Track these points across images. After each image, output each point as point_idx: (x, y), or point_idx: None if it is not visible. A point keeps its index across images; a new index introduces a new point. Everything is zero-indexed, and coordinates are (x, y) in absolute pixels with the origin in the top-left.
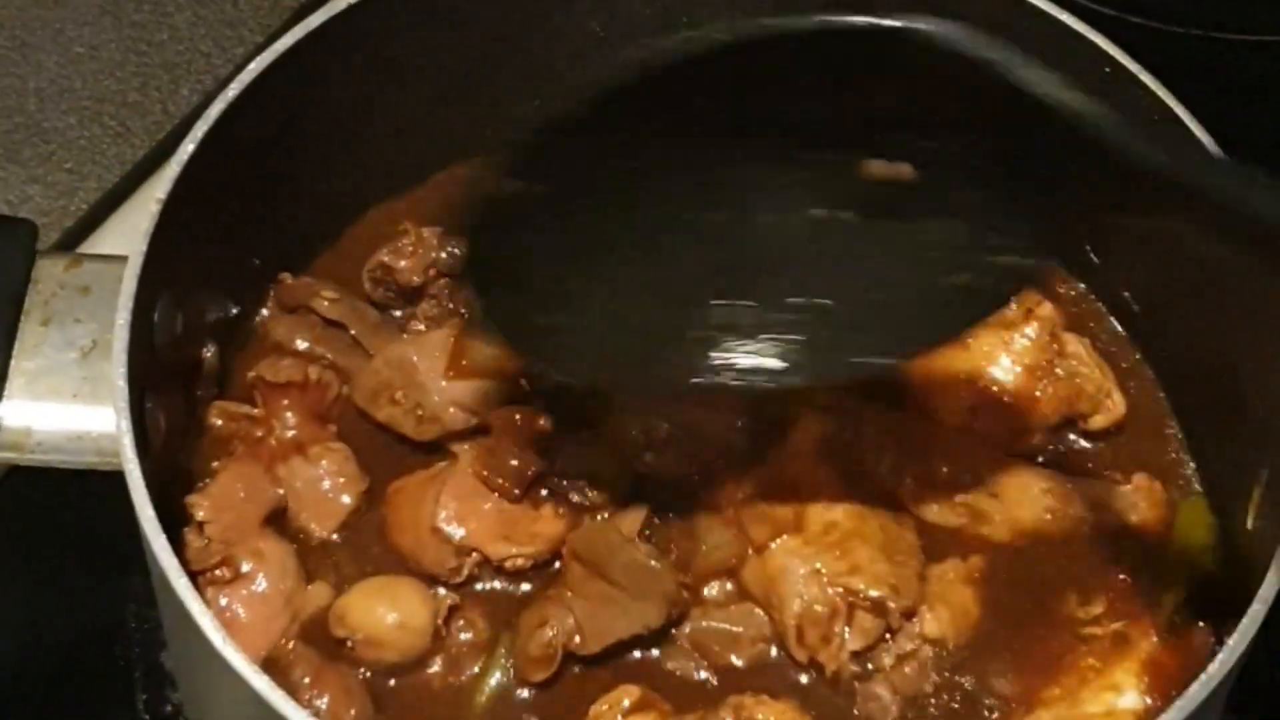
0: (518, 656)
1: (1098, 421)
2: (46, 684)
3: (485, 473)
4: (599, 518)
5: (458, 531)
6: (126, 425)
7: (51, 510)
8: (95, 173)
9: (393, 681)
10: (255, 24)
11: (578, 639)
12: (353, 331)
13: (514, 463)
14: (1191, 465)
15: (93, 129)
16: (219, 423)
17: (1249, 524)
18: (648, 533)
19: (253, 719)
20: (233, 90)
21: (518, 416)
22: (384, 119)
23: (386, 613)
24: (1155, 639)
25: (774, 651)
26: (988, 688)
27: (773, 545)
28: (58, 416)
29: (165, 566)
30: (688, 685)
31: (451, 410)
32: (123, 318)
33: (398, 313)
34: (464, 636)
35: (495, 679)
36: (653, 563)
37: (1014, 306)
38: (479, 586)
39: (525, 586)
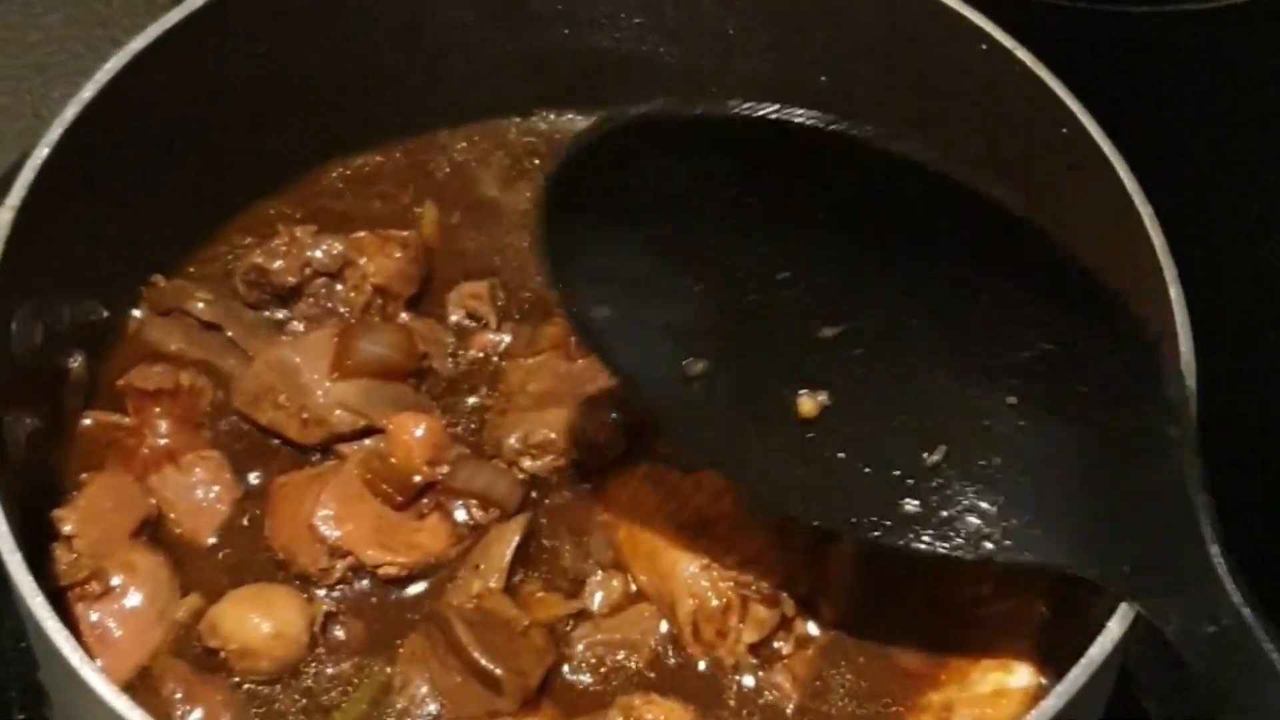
0: None
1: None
2: None
3: (370, 477)
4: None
5: (334, 533)
6: None
7: None
8: None
9: (269, 690)
10: (129, 24)
11: (435, 706)
12: (229, 333)
13: (403, 470)
14: None
15: None
16: (89, 433)
17: None
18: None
19: None
20: (88, 92)
21: (419, 425)
22: (252, 118)
23: (260, 621)
24: (1047, 615)
25: (669, 650)
26: (884, 671)
27: (661, 543)
28: None
29: (20, 584)
30: (581, 691)
31: (337, 412)
32: None
33: (277, 314)
34: (340, 640)
35: (368, 697)
36: (495, 669)
37: None
38: (353, 591)
39: (403, 594)
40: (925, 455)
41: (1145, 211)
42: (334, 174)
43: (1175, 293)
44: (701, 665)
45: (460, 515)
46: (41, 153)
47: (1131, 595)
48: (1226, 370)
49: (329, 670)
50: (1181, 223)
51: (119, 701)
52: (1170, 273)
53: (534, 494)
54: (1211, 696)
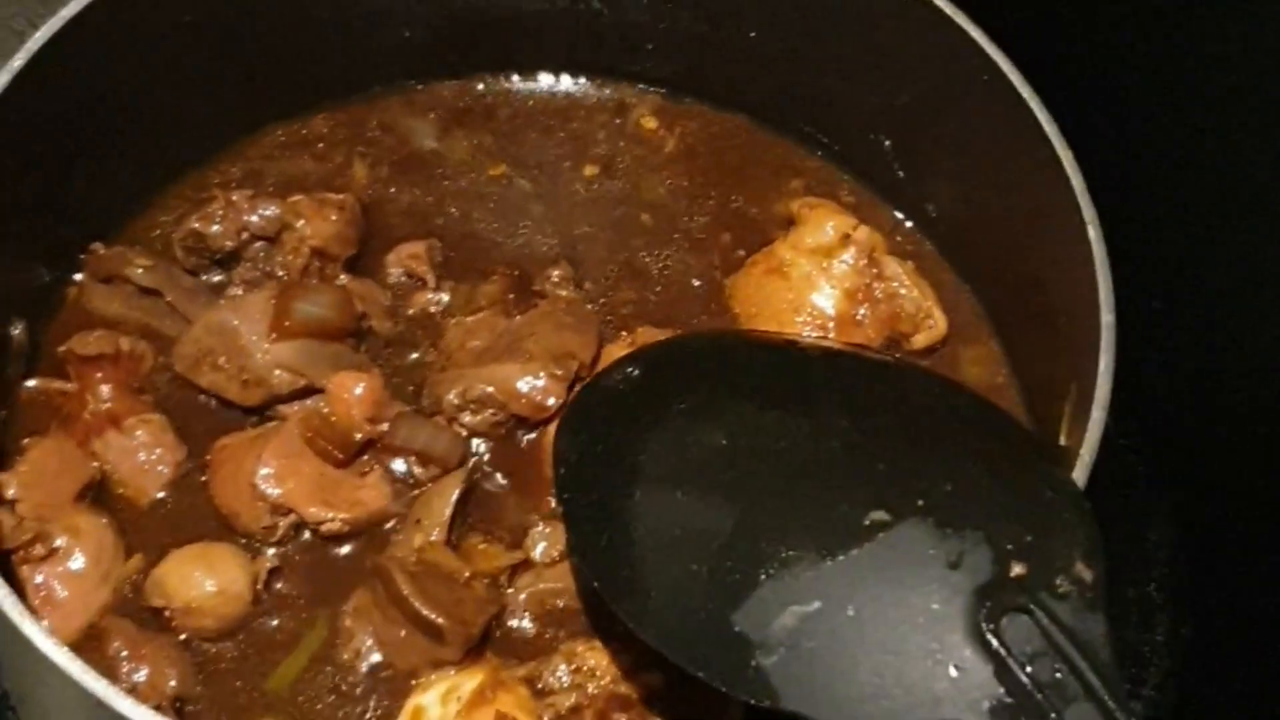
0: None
1: (920, 340)
2: None
3: (311, 435)
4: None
5: (275, 491)
6: None
7: None
8: None
9: (214, 647)
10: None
11: (379, 656)
12: (169, 298)
13: (344, 428)
14: (1015, 382)
15: None
16: (31, 399)
17: (1062, 439)
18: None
19: (68, 699)
20: (19, 60)
21: (359, 383)
22: (186, 84)
23: (203, 579)
24: None
25: None
26: None
27: None
28: None
29: None
30: (524, 639)
31: (277, 373)
32: None
33: (216, 278)
34: (283, 595)
35: (311, 650)
36: (436, 619)
37: (830, 232)
38: (297, 547)
39: (345, 550)
40: None
41: (1065, 155)
42: (270, 138)
43: (1094, 234)
44: None
45: (400, 472)
46: None
47: None
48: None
49: (273, 625)
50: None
51: (64, 659)
52: (1089, 213)
53: (475, 449)
54: None
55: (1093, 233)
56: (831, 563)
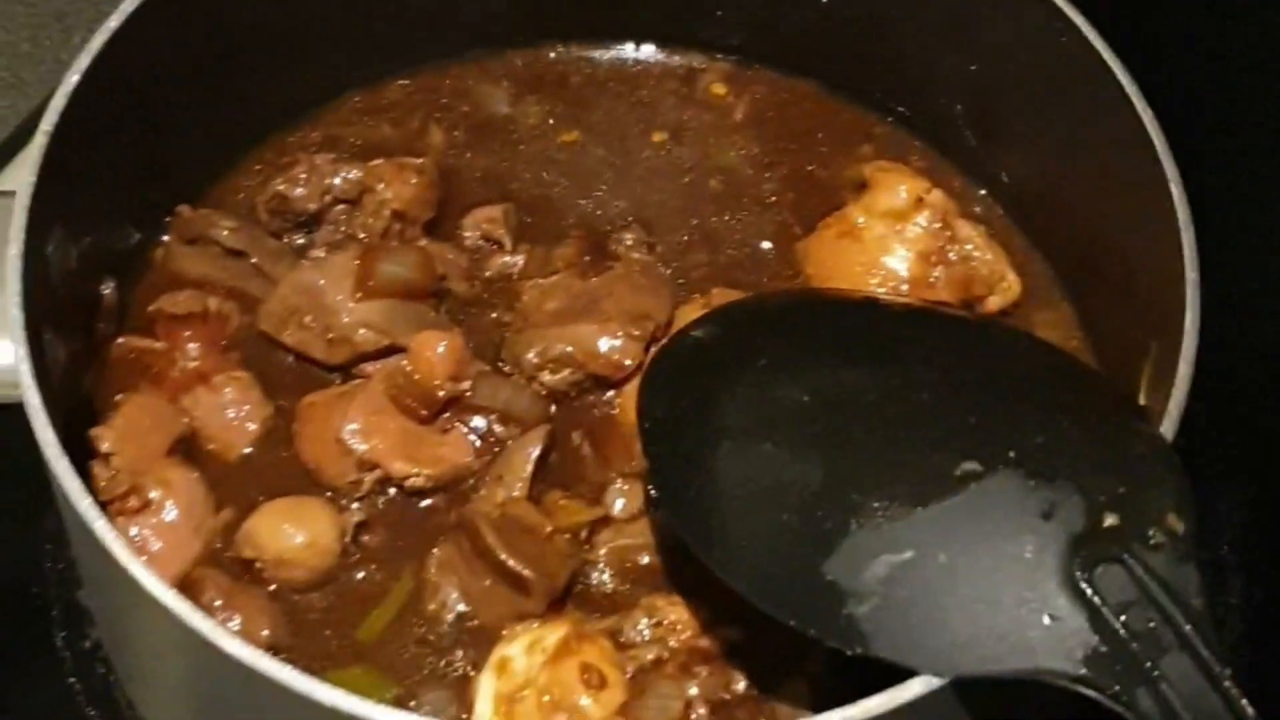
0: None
1: (994, 303)
2: None
3: (395, 393)
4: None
5: (361, 446)
6: (24, 353)
7: None
8: None
9: (301, 598)
10: None
11: (465, 607)
12: (254, 259)
13: (427, 385)
14: (1089, 345)
15: None
16: (121, 358)
17: (1142, 400)
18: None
19: (170, 641)
20: (114, 21)
21: (441, 342)
22: (271, 49)
23: (294, 532)
24: None
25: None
26: None
27: None
28: None
29: (69, 490)
30: (604, 594)
31: (361, 331)
32: (14, 248)
33: (298, 240)
34: (369, 549)
35: (399, 602)
36: (522, 570)
37: (903, 195)
38: (381, 502)
39: (428, 505)
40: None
41: (1146, 115)
42: (347, 105)
43: (1177, 192)
44: None
45: (481, 429)
46: (72, 79)
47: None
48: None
49: (359, 578)
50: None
51: (168, 597)
52: (1171, 172)
53: (553, 408)
54: None
55: (1175, 191)
56: (924, 512)
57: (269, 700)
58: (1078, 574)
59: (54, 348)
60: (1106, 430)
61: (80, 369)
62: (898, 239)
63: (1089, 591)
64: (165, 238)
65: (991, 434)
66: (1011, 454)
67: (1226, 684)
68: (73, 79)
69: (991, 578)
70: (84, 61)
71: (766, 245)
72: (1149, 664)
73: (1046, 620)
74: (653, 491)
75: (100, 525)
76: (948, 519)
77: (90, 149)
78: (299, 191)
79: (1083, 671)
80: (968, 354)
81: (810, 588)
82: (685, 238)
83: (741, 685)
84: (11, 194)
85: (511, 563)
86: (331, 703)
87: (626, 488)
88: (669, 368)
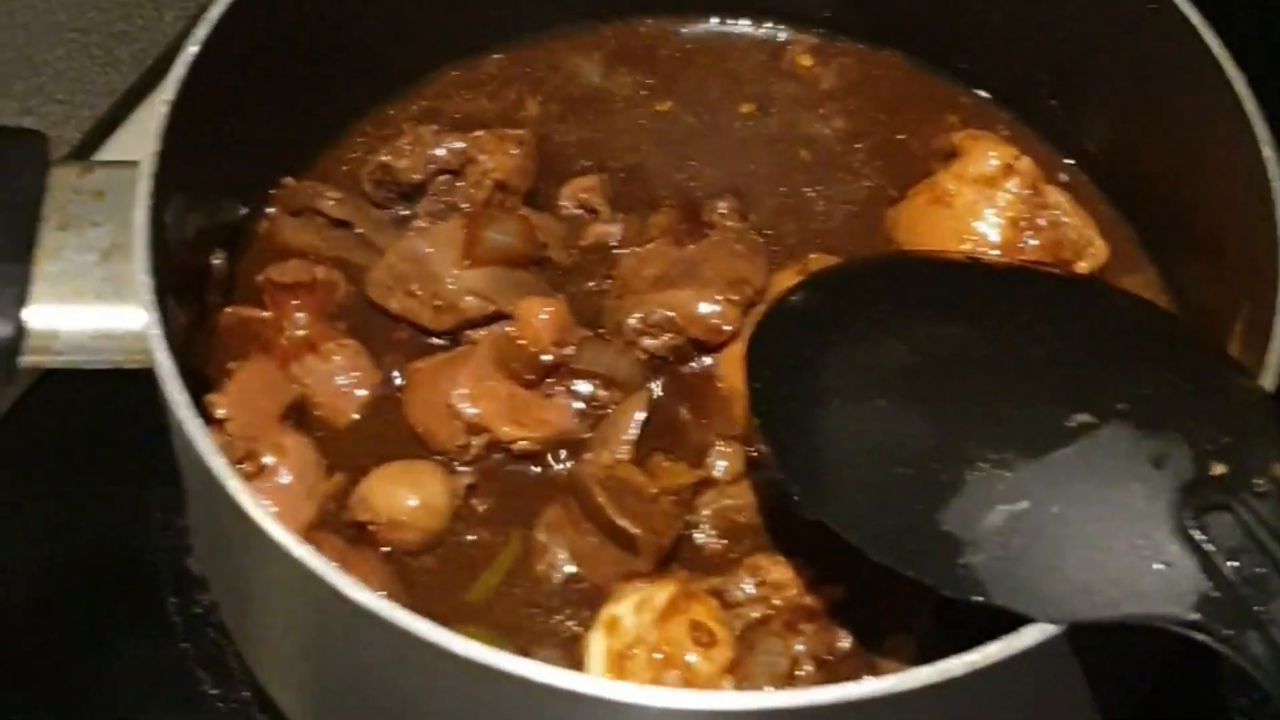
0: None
1: (1083, 267)
2: (76, 593)
3: (502, 358)
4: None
5: (470, 410)
6: (155, 317)
7: (72, 423)
8: (87, 102)
9: (412, 561)
10: None
11: (574, 567)
12: (359, 229)
13: (532, 351)
14: (1175, 306)
15: (81, 60)
16: (230, 327)
17: (1234, 352)
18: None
19: (298, 597)
20: None
21: (546, 308)
22: (376, 23)
23: (407, 495)
24: None
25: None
26: None
27: None
28: (82, 317)
29: (202, 449)
30: (708, 554)
31: (467, 298)
32: (140, 215)
33: (401, 211)
34: (479, 511)
35: (507, 565)
36: (632, 529)
37: (993, 162)
38: (489, 466)
39: (534, 469)
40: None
41: (1237, 79)
42: (445, 78)
43: (1269, 153)
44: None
45: (584, 394)
46: (191, 50)
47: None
48: None
49: (468, 540)
50: None
51: (302, 551)
52: (1263, 133)
53: (654, 372)
54: None
55: (1267, 153)
56: (1038, 463)
57: (397, 654)
58: (1188, 521)
59: (173, 314)
60: (1210, 382)
61: (193, 340)
62: (988, 205)
63: (1199, 538)
64: (269, 210)
65: (1102, 386)
66: (1121, 406)
67: None
68: (191, 50)
69: (1104, 526)
70: (202, 32)
71: (856, 213)
72: (1259, 608)
73: (1158, 567)
74: (754, 452)
75: (234, 484)
76: (1061, 469)
77: (204, 120)
78: (404, 162)
79: (1194, 616)
80: (1073, 309)
81: (927, 539)
82: (777, 206)
83: (847, 643)
84: (131, 164)
85: (621, 522)
86: (467, 654)
87: (727, 450)
88: (775, 330)
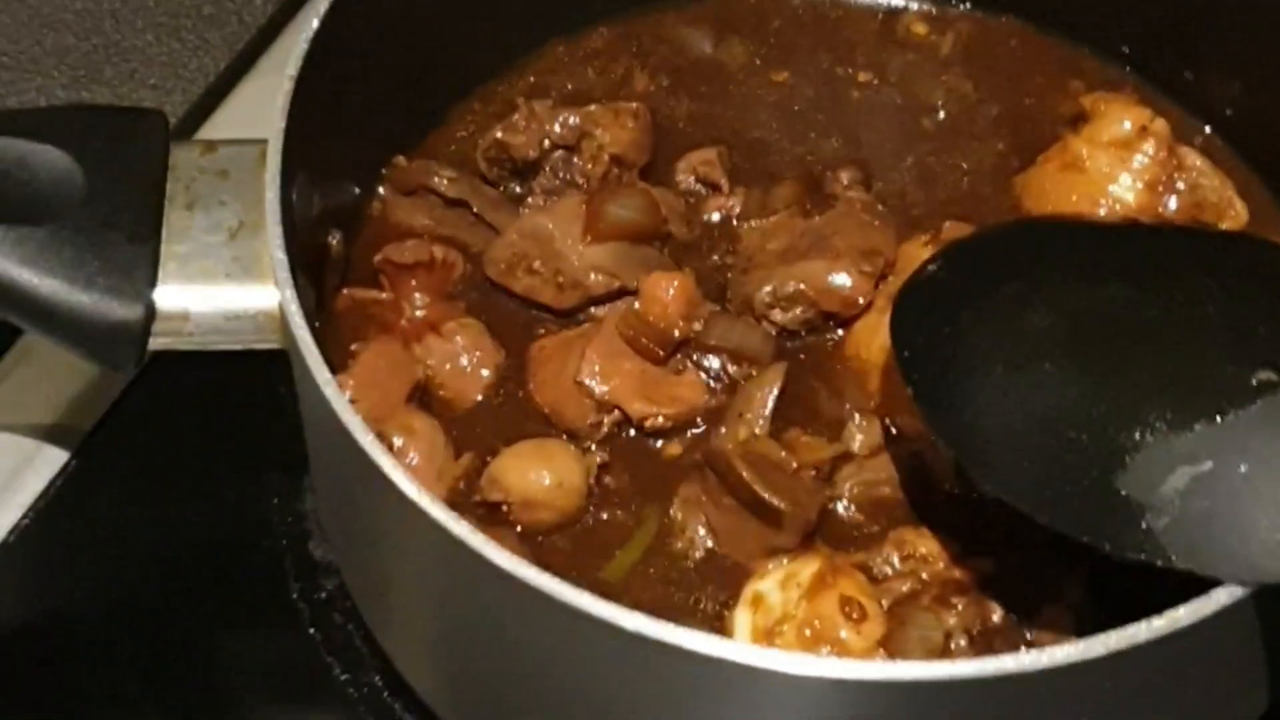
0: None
1: (1224, 228)
2: (197, 583)
3: (631, 333)
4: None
5: (600, 387)
6: (291, 294)
7: (185, 410)
8: (180, 86)
9: (547, 541)
10: None
11: (712, 544)
12: (475, 208)
13: (661, 326)
14: None
15: (171, 44)
16: (348, 309)
17: None
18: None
19: (445, 572)
20: None
21: (672, 282)
22: (473, 5)
23: (542, 474)
24: None
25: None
26: None
27: None
28: (213, 297)
29: (348, 424)
30: (850, 529)
31: (592, 275)
32: (272, 193)
33: (515, 188)
34: (613, 489)
35: (645, 542)
36: (777, 502)
37: (1127, 125)
38: (621, 443)
39: (666, 445)
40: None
41: None
42: (551, 54)
43: None
44: (963, 505)
45: (714, 369)
46: (312, 24)
47: None
48: None
49: (603, 518)
50: None
51: (455, 522)
52: None
53: (784, 346)
54: None
55: None
56: (1221, 423)
57: (550, 629)
58: None
59: (304, 295)
60: None
61: (311, 324)
62: (1124, 169)
63: None
64: (381, 191)
65: None
66: None
67: None
68: (314, 23)
69: None
70: (322, 6)
71: (983, 182)
72: None
73: None
74: (892, 426)
75: (384, 459)
76: (1245, 429)
77: (323, 97)
78: (519, 139)
79: None
80: (1234, 265)
81: (1104, 504)
82: (901, 176)
83: (999, 616)
84: (253, 141)
85: (766, 495)
86: (635, 628)
87: (864, 423)
88: (920, 297)
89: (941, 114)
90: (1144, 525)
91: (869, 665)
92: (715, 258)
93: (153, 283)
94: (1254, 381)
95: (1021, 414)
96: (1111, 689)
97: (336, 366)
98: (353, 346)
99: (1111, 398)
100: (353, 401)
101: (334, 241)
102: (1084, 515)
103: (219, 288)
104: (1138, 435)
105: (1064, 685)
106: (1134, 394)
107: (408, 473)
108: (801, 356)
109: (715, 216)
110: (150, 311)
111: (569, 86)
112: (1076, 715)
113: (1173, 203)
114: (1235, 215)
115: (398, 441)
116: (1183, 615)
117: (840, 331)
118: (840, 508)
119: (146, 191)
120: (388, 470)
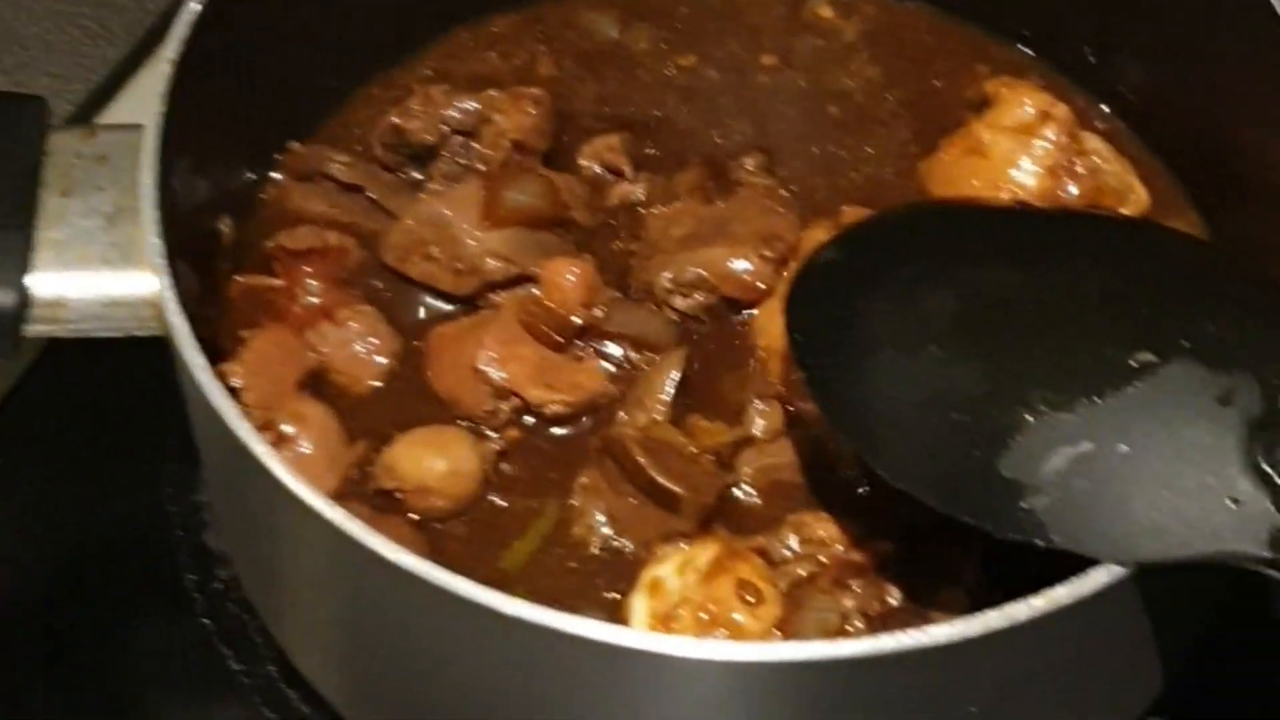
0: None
1: (1124, 214)
2: (92, 574)
3: (531, 319)
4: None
5: (498, 374)
6: (167, 281)
7: (79, 400)
8: (79, 75)
9: (443, 528)
10: None
11: (611, 531)
12: (371, 194)
13: (561, 312)
14: None
15: (71, 32)
16: (241, 296)
17: None
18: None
19: (330, 563)
20: None
21: (573, 269)
22: None
23: (436, 461)
24: None
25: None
26: None
27: None
28: (90, 284)
29: (224, 415)
30: (750, 513)
31: (490, 261)
32: (148, 178)
33: (413, 174)
34: (510, 477)
35: (543, 530)
36: (674, 488)
37: (1029, 110)
38: (519, 431)
39: (565, 432)
40: None
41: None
42: (454, 39)
43: None
44: (863, 489)
45: (615, 356)
46: (193, 7)
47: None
48: None
49: (500, 506)
50: None
51: (334, 513)
52: None
53: (686, 332)
54: None
55: None
56: (1101, 404)
57: (437, 617)
58: (1259, 457)
59: (184, 282)
60: (1271, 317)
61: (202, 310)
62: (1025, 154)
63: (1271, 473)
64: (277, 176)
65: (1164, 325)
66: (1185, 343)
67: None
68: (194, 7)
69: (1173, 465)
70: None
71: (888, 167)
72: None
73: (1230, 504)
74: (793, 410)
75: (261, 449)
76: (1126, 410)
77: (209, 82)
78: (415, 124)
79: (1268, 553)
80: (1125, 250)
81: (987, 485)
82: (805, 161)
83: (896, 598)
84: (134, 127)
85: (663, 480)
86: (515, 613)
87: (765, 408)
88: (814, 282)
89: (847, 99)
90: (1025, 506)
91: (749, 647)
92: (619, 244)
93: (25, 269)
94: (1134, 363)
95: (909, 397)
96: (998, 670)
97: (228, 354)
98: (242, 334)
99: (996, 380)
100: (242, 390)
101: (225, 228)
102: (968, 496)
103: (96, 274)
104: (1020, 416)
105: (949, 665)
106: (1018, 376)
107: (282, 459)
108: (705, 342)
109: (619, 202)
110: (23, 298)
111: (472, 71)
112: (967, 696)
113: (1074, 188)
114: (1136, 200)
115: (288, 429)
116: (1062, 595)
117: (742, 317)
118: (740, 492)
119: (20, 178)
120: (260, 456)
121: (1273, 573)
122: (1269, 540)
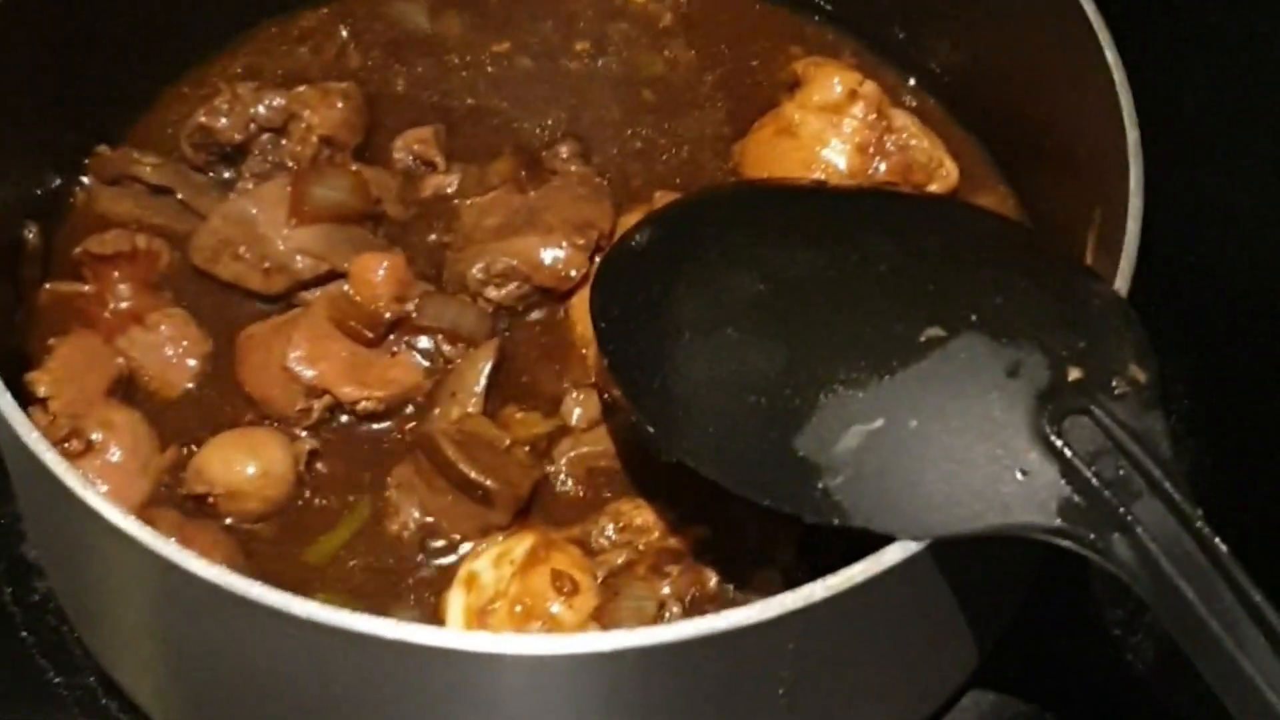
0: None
1: (933, 189)
2: None
3: (340, 315)
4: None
5: (308, 372)
6: None
7: None
8: None
9: (256, 530)
10: None
11: (428, 526)
12: (180, 195)
13: (371, 308)
14: (1029, 222)
15: None
16: (50, 303)
17: (1089, 260)
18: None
19: (132, 572)
20: None
21: (382, 263)
22: None
23: (246, 463)
24: None
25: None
26: None
27: None
28: None
29: (17, 426)
30: (568, 503)
31: (298, 258)
32: None
33: (225, 174)
34: (325, 476)
35: (354, 525)
36: (486, 482)
37: (838, 89)
38: (333, 429)
39: (380, 428)
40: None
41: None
42: (264, 33)
43: (1111, 56)
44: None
45: (429, 350)
46: None
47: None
48: None
49: (315, 505)
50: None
51: (130, 524)
52: (1104, 37)
53: (502, 323)
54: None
55: (1110, 55)
56: (891, 380)
57: (238, 623)
58: (1047, 428)
59: None
60: (1062, 289)
61: (9, 319)
62: (834, 132)
63: (1059, 444)
64: (85, 179)
65: (952, 299)
66: (973, 317)
67: (1199, 524)
68: None
69: (963, 438)
70: None
71: (703, 151)
72: (1122, 510)
73: (1019, 476)
74: (609, 398)
75: (52, 458)
76: (915, 385)
77: (5, 85)
78: (223, 122)
79: (1058, 523)
80: (919, 226)
81: (783, 466)
82: (620, 147)
83: (713, 581)
84: None
85: (474, 475)
86: (308, 615)
87: (582, 397)
88: (619, 268)
89: (662, 83)
90: (820, 485)
91: (541, 640)
92: (433, 236)
93: None
94: (922, 338)
95: (707, 380)
96: (802, 650)
97: (36, 362)
98: (50, 341)
99: (791, 360)
100: (48, 398)
101: (30, 234)
102: (765, 479)
103: None
104: (815, 396)
105: (751, 648)
106: (811, 355)
107: (88, 468)
108: (523, 333)
109: (432, 194)
110: None
111: (282, 67)
112: (774, 677)
113: (883, 165)
114: (946, 175)
115: (97, 437)
116: (857, 572)
117: (558, 306)
118: (558, 482)
119: None
120: (52, 465)
121: (1064, 542)
122: (1058, 510)
